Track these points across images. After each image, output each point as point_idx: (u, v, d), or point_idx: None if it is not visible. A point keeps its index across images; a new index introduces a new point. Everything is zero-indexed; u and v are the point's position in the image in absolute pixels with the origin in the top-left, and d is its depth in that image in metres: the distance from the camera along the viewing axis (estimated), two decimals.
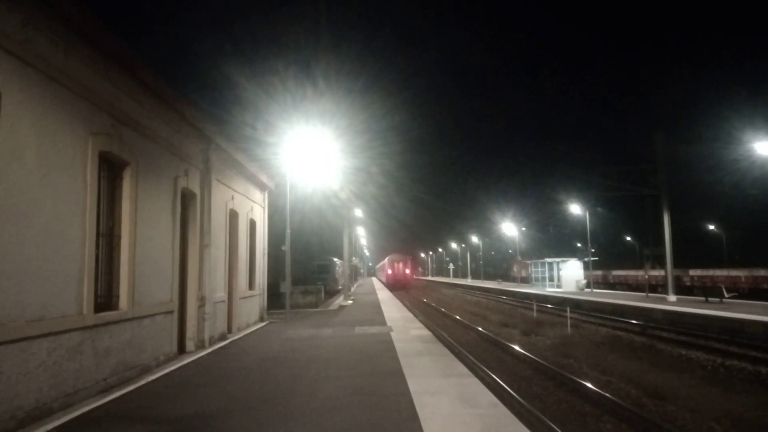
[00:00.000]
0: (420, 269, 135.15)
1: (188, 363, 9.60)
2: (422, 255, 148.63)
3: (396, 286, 53.67)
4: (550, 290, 38.45)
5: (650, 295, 29.82)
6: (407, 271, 58.51)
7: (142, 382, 7.92)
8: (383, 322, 16.32)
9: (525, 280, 53.37)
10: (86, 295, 6.90)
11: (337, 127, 18.83)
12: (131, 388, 7.54)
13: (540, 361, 12.26)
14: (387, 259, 63.74)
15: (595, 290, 36.92)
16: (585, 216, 38.83)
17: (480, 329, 18.64)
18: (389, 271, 59.15)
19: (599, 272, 45.06)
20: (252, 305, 16.48)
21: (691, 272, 35.48)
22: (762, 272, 30.39)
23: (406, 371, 8.28)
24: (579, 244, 59.00)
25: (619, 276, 44.20)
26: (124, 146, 8.05)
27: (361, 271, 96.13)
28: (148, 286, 8.76)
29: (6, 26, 5.56)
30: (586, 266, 38.87)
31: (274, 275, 19.57)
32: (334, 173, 22.08)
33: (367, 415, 5.94)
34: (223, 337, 12.69)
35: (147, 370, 8.64)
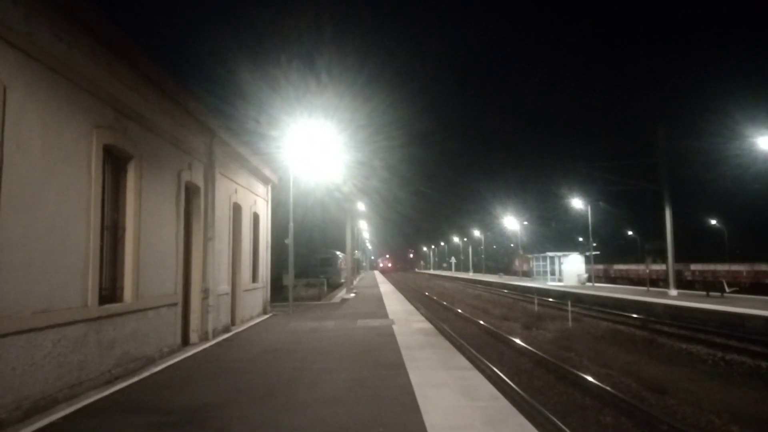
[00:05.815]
0: (422, 262, 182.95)
1: (192, 355, 9.67)
2: (424, 249, 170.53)
3: (385, 272, 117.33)
4: (551, 284, 38.49)
5: (651, 289, 29.83)
6: (389, 265, 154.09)
7: (147, 373, 7.99)
8: (385, 315, 16.39)
9: (526, 274, 53.42)
10: (91, 288, 6.95)
11: (340, 121, 18.81)
12: (135, 379, 7.61)
13: (541, 354, 12.30)
14: (380, 258, 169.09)
15: (596, 284, 36.96)
16: (587, 210, 38.84)
17: (481, 322, 18.68)
18: (381, 265, 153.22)
19: (600, 266, 45.10)
20: (255, 298, 16.56)
21: (693, 267, 35.49)
22: (763, 267, 30.41)
23: (408, 364, 8.34)
24: (581, 239, 59.05)
25: (620, 270, 44.21)
26: (128, 139, 8.08)
27: (364, 264, 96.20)
28: (152, 279, 8.82)
29: (9, 18, 5.58)
30: (587, 260, 38.90)
31: (278, 268, 19.65)
32: (337, 167, 22.06)
33: (369, 406, 5.99)
34: (226, 329, 12.77)
35: (151, 361, 8.71)
